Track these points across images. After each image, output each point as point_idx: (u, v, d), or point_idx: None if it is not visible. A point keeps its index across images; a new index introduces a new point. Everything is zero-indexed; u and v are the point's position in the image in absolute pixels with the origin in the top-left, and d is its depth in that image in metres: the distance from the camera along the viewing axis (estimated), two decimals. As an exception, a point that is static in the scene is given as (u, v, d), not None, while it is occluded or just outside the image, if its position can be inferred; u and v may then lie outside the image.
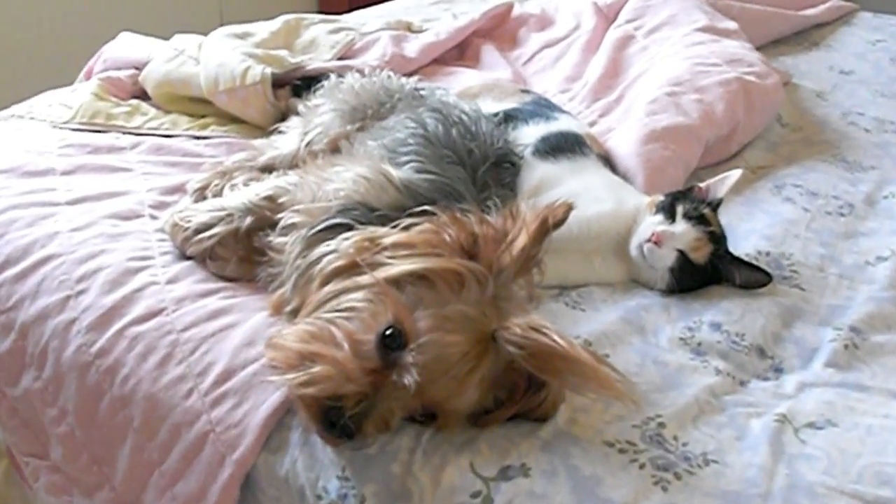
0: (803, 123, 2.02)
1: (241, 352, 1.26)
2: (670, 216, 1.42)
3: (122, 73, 2.00)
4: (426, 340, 1.08)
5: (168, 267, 1.43)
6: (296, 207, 1.33)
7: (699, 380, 1.23)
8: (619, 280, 1.46)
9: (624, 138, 1.69)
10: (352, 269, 1.18)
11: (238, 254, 1.40)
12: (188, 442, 1.23)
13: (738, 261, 1.43)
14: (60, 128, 1.84)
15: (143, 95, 1.97)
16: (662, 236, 1.39)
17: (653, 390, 1.20)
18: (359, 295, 1.15)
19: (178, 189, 1.65)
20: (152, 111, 1.91)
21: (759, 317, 1.36)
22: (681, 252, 1.40)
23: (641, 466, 1.08)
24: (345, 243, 1.21)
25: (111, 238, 1.48)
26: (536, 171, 1.55)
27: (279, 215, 1.34)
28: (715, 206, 1.46)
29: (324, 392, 1.06)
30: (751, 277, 1.42)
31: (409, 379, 1.06)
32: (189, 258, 1.44)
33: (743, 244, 1.52)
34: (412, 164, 1.39)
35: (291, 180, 1.41)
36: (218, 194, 1.56)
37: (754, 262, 1.47)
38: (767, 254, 1.51)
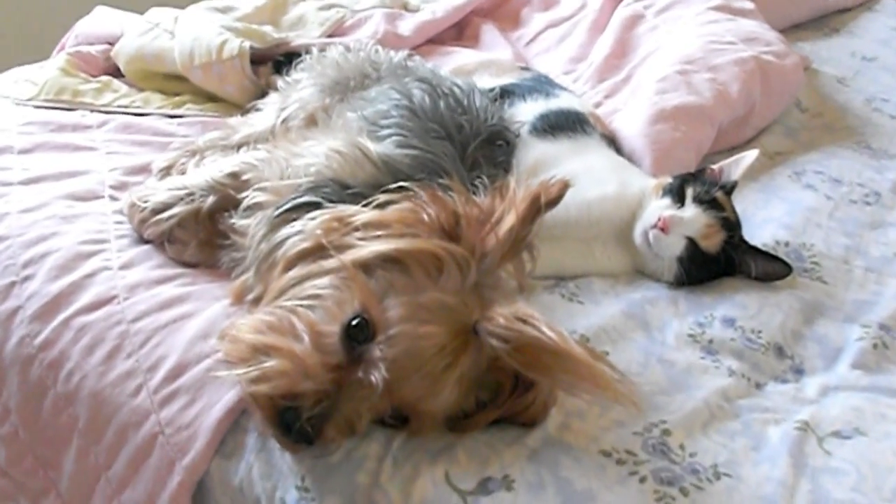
0: (824, 109, 1.87)
1: (196, 345, 1.13)
2: (679, 200, 1.28)
3: (94, 49, 1.87)
4: (397, 332, 0.94)
5: (123, 251, 1.29)
6: (261, 185, 1.19)
7: (710, 381, 1.09)
8: (622, 270, 1.32)
9: (631, 118, 1.55)
10: (318, 251, 1.05)
11: (198, 237, 1.26)
12: (136, 445, 1.10)
13: (755, 250, 1.29)
14: (24, 105, 1.70)
15: (115, 72, 1.84)
16: (670, 222, 1.25)
17: (657, 392, 1.06)
18: (324, 281, 1.01)
19: (144, 169, 1.51)
20: (124, 88, 1.78)
21: (777, 312, 1.22)
22: (690, 240, 1.26)
23: (642, 480, 0.94)
24: (311, 223, 1.08)
25: (64, 220, 1.35)
26: (533, 151, 1.41)
27: (244, 194, 1.20)
28: (729, 189, 1.32)
29: (278, 390, 0.93)
30: (768, 269, 1.28)
31: (377, 376, 0.92)
32: (147, 242, 1.31)
33: (760, 233, 1.38)
34: (394, 138, 1.25)
35: (259, 155, 1.28)
36: (184, 173, 1.42)
37: (772, 252, 1.33)
38: (787, 244, 1.37)
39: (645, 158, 1.49)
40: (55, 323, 1.20)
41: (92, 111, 1.69)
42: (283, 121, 1.52)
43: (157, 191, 1.30)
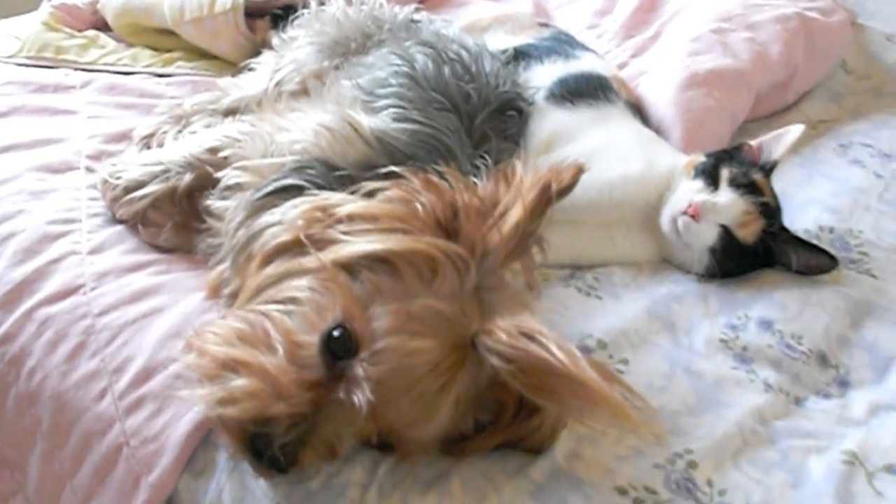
0: (871, 71, 1.70)
1: (165, 345, 1.01)
2: (713, 182, 1.14)
3: (81, 0, 1.73)
4: (384, 346, 0.82)
5: (94, 233, 1.17)
6: (241, 164, 1.06)
7: (743, 398, 0.96)
8: (646, 259, 1.19)
9: (660, 83, 1.40)
10: (299, 245, 0.92)
11: (174, 219, 1.14)
12: (100, 455, 1.00)
13: (796, 240, 1.15)
14: (4, 62, 1.58)
15: (103, 26, 1.70)
16: (702, 208, 1.11)
17: (683, 412, 0.93)
18: (302, 282, 0.88)
19: (125, 136, 1.39)
20: (111, 44, 1.64)
21: (820, 313, 1.08)
22: (724, 228, 1.12)
23: (664, 524, 0.82)
24: (292, 212, 0.95)
25: (33, 195, 1.23)
26: (549, 121, 1.27)
27: (222, 172, 1.08)
28: (769, 169, 1.17)
29: (247, 413, 0.81)
30: (811, 262, 1.14)
31: (360, 397, 0.80)
32: (122, 221, 1.19)
33: (801, 217, 1.24)
34: (391, 110, 1.12)
35: (242, 128, 1.15)
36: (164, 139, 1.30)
37: (815, 241, 1.19)
38: (831, 230, 1.23)
39: (674, 129, 1.34)
40: (17, 314, 1.09)
41: (76, 69, 1.57)
42: (277, 84, 1.38)
43: (130, 166, 1.18)
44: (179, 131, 1.28)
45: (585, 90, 1.31)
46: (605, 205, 1.17)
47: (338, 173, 1.01)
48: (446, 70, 1.20)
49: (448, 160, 1.07)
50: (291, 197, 1.00)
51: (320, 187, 1.00)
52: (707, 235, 1.12)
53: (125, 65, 1.60)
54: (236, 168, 1.06)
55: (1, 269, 1.13)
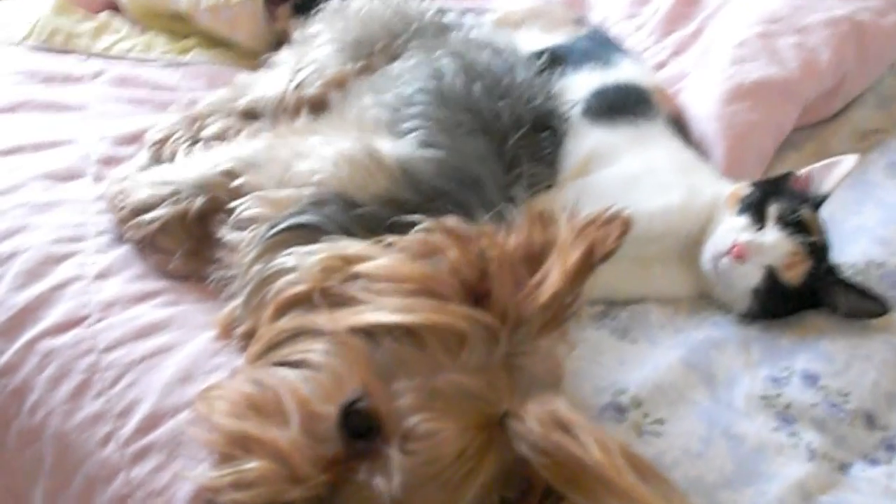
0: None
1: (174, 390, 0.96)
2: (759, 219, 1.06)
3: (95, -20, 1.65)
4: (408, 428, 0.75)
5: (101, 254, 1.11)
6: (257, 194, 1.00)
7: (786, 468, 0.90)
8: (685, 294, 1.12)
9: (702, 94, 1.32)
10: (313, 297, 0.86)
11: (184, 246, 1.08)
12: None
13: (844, 283, 1.08)
14: (16, 47, 1.51)
15: (117, 8, 1.62)
16: (747, 249, 1.04)
17: (720, 484, 0.87)
18: (319, 345, 0.82)
19: (137, 138, 1.32)
20: (125, 28, 1.57)
21: (868, 368, 1.01)
22: (769, 269, 1.05)
23: None
24: (308, 260, 0.89)
25: (38, 209, 1.16)
26: (586, 140, 1.19)
27: (237, 202, 1.01)
28: (818, 204, 1.10)
29: (260, 499, 0.75)
30: (859, 307, 1.07)
31: (384, 485, 0.74)
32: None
33: (849, 249, 1.16)
34: (416, 133, 1.05)
35: (258, 148, 1.08)
36: (177, 151, 1.23)
37: (862, 276, 1.12)
38: (880, 265, 1.15)
39: (717, 147, 1.26)
40: (19, 344, 1.03)
41: (88, 57, 1.50)
42: (297, 86, 1.31)
43: (139, 186, 1.11)
44: (192, 143, 1.21)
45: (624, 105, 1.23)
46: (643, 238, 1.08)
47: (357, 211, 0.95)
48: (477, 87, 1.13)
49: (477, 192, 1.01)
50: (308, 235, 0.94)
51: (338, 227, 0.94)
52: (751, 277, 1.05)
53: (139, 52, 1.53)
54: (251, 199, 1.00)
55: (3, 293, 1.07)
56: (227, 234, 1.01)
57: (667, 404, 0.95)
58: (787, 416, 0.96)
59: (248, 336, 0.96)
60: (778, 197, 1.08)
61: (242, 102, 1.35)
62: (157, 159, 1.26)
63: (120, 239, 1.13)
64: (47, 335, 1.03)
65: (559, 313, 0.83)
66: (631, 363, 1.00)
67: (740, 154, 1.26)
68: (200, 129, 1.32)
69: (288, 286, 0.89)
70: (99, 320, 1.03)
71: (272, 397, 0.80)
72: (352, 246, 0.88)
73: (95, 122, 1.34)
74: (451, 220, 0.87)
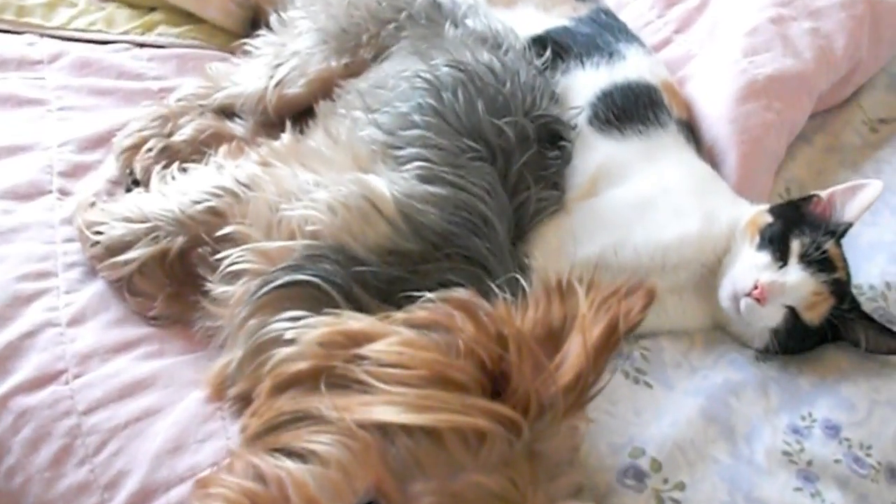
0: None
1: (164, 462, 0.90)
2: (781, 256, 1.00)
3: (44, -56, 1.50)
4: (428, 537, 0.70)
5: (73, 293, 1.03)
6: (247, 247, 0.91)
7: (812, 538, 0.86)
8: (699, 326, 1.07)
9: (713, 90, 1.24)
10: (317, 377, 0.79)
11: (166, 291, 1.00)
12: (94, 581, 0.89)
13: (866, 318, 1.03)
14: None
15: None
16: (770, 291, 0.98)
17: (746, 561, 0.83)
18: (325, 436, 0.76)
19: (103, 141, 1.22)
20: (82, 1, 1.43)
21: (891, 416, 0.98)
22: (791, 309, 0.99)
23: None
24: (309, 334, 0.81)
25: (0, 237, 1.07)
26: (594, 154, 1.12)
27: (222, 254, 0.93)
28: (841, 233, 1.04)
29: None
30: (881, 344, 1.03)
31: None
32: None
33: (865, 267, 1.12)
34: (416, 165, 0.97)
35: (242, 177, 0.98)
36: (150, 168, 1.13)
37: (881, 300, 1.07)
38: (899, 288, 1.10)
39: (730, 153, 1.19)
40: (-9, 400, 0.96)
41: (42, 36, 1.37)
42: (278, 84, 1.21)
43: (110, 219, 1.02)
44: (167, 160, 1.11)
45: (634, 111, 1.15)
46: (657, 270, 1.03)
47: (357, 269, 0.87)
48: (479, 105, 1.03)
49: (485, 235, 0.94)
50: (304, 294, 0.87)
51: (337, 287, 0.86)
52: (771, 318, 1.00)
53: (99, 31, 1.40)
54: (241, 252, 0.91)
55: (-32, 340, 0.99)
56: (215, 288, 0.93)
57: (687, 465, 0.91)
58: (809, 473, 0.92)
59: (242, 399, 0.90)
60: (801, 229, 1.02)
61: (218, 98, 1.25)
62: (127, 169, 1.16)
63: (92, 272, 1.05)
64: (21, 392, 0.95)
65: (582, 394, 0.77)
66: (647, 413, 0.95)
67: (754, 159, 1.19)
68: (173, 130, 1.22)
69: (287, 362, 0.81)
70: (76, 376, 0.96)
71: (276, 491, 0.74)
72: (355, 321, 0.81)
73: (56, 121, 1.24)
74: (462, 293, 0.80)
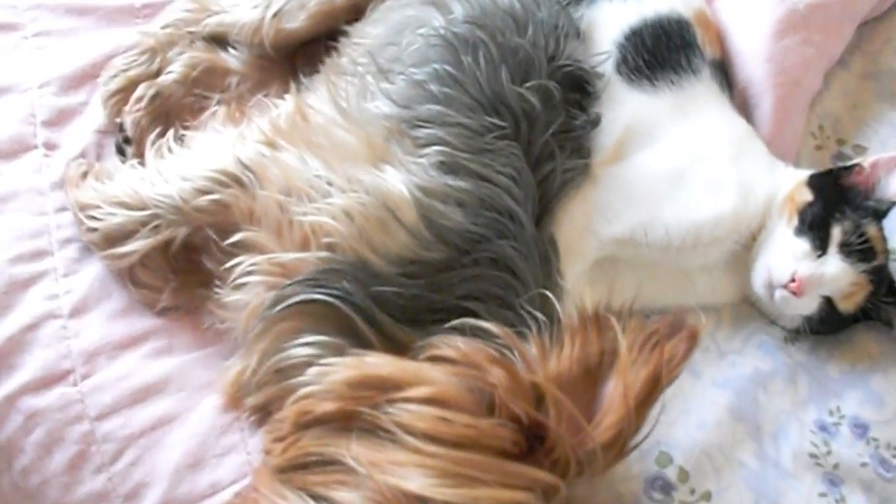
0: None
1: (185, 477, 0.88)
2: (820, 244, 0.95)
3: None
4: None
5: (72, 275, 0.98)
6: (260, 258, 0.85)
7: (834, 547, 0.87)
8: (728, 301, 1.03)
9: (749, 25, 1.13)
10: (342, 418, 0.76)
11: (170, 284, 0.94)
12: (119, 582, 0.90)
13: (902, 299, 1.00)
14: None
15: None
16: (808, 284, 0.94)
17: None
18: (355, 494, 0.73)
19: (88, 77, 1.13)
20: None
21: (920, 412, 0.96)
22: (827, 298, 0.96)
23: None
24: (333, 375, 0.77)
25: (-11, 206, 1.00)
26: (622, 110, 1.03)
27: (232, 261, 0.87)
28: (884, 212, 0.98)
29: None
30: (915, 327, 1.00)
31: None
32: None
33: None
34: (437, 154, 0.89)
35: (244, 158, 0.90)
36: (142, 123, 1.05)
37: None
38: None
39: (765, 97, 1.11)
40: (-3, 397, 0.92)
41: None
42: (275, 14, 1.10)
43: (105, 202, 0.94)
44: (161, 130, 1.01)
45: (665, 55, 1.05)
46: (688, 250, 0.98)
47: (377, 289, 0.82)
48: (503, 72, 0.94)
49: (512, 235, 0.88)
50: (323, 313, 0.82)
51: (357, 309, 0.81)
52: (806, 307, 0.96)
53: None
54: (254, 262, 0.85)
55: (-34, 330, 0.94)
56: (224, 293, 0.88)
57: (714, 471, 0.90)
58: (834, 477, 0.92)
59: (259, 410, 0.87)
60: (842, 210, 0.96)
61: (209, 24, 1.14)
62: (116, 118, 1.08)
63: (89, 249, 0.98)
64: (28, 392, 0.92)
65: (623, 449, 0.75)
66: (673, 408, 0.93)
67: (790, 105, 1.11)
68: (162, 66, 1.12)
69: (311, 399, 0.78)
70: (84, 377, 0.92)
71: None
72: (382, 365, 0.77)
73: (34, 51, 1.14)
74: (495, 329, 0.77)
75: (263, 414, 0.88)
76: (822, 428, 0.95)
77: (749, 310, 1.03)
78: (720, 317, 1.02)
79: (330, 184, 0.86)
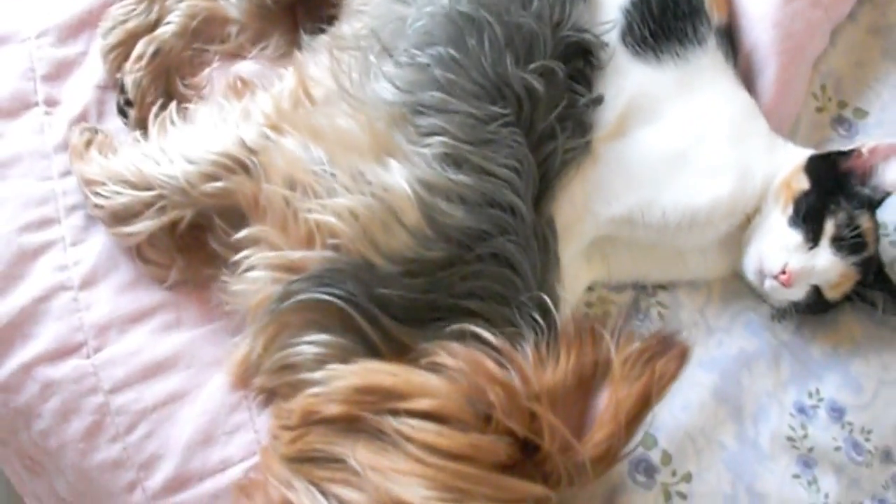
0: None
1: (197, 453, 0.93)
2: (813, 236, 0.97)
3: None
4: None
5: (80, 244, 1.00)
6: (265, 255, 0.87)
7: (804, 528, 0.94)
8: (719, 276, 1.06)
9: (758, -12, 1.11)
10: (347, 421, 0.81)
11: (178, 263, 0.96)
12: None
13: (886, 282, 1.03)
14: None
15: None
16: (798, 276, 0.97)
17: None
18: (358, 495, 0.79)
19: (85, 24, 1.11)
20: None
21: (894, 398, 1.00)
22: (815, 287, 0.99)
23: None
24: (338, 381, 0.81)
25: (-8, 171, 1.01)
26: (625, 83, 1.03)
27: (240, 255, 0.89)
28: (878, 204, 1.00)
29: None
30: (896, 308, 1.03)
31: None
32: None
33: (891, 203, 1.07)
34: (440, 145, 0.89)
35: (250, 140, 0.91)
36: (143, 82, 1.04)
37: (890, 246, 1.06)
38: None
39: (770, 62, 1.10)
40: (13, 365, 0.97)
41: None
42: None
43: (110, 179, 0.95)
44: (164, 102, 1.01)
45: (672, 23, 1.04)
46: (684, 232, 1.00)
47: (379, 291, 0.84)
48: (508, 57, 0.94)
49: (513, 230, 0.90)
50: (327, 312, 0.85)
51: (360, 310, 0.84)
52: (795, 295, 0.99)
53: None
54: (259, 256, 0.88)
55: (-22, 298, 0.97)
56: (230, 284, 0.90)
57: (695, 454, 0.95)
58: (808, 459, 0.97)
59: (265, 390, 0.91)
60: (836, 201, 0.97)
61: (208, -31, 1.11)
62: (117, 74, 1.07)
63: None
64: (43, 362, 0.96)
65: (612, 462, 0.80)
66: (658, 389, 0.98)
67: (794, 70, 1.10)
68: (161, 15, 1.10)
69: (316, 400, 0.82)
70: (97, 349, 0.96)
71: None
72: (386, 374, 0.80)
73: (29, -2, 1.11)
74: (493, 341, 0.80)
75: (270, 394, 0.92)
76: (801, 410, 1.00)
77: (739, 286, 1.05)
78: (710, 292, 1.05)
79: (334, 177, 0.87)
